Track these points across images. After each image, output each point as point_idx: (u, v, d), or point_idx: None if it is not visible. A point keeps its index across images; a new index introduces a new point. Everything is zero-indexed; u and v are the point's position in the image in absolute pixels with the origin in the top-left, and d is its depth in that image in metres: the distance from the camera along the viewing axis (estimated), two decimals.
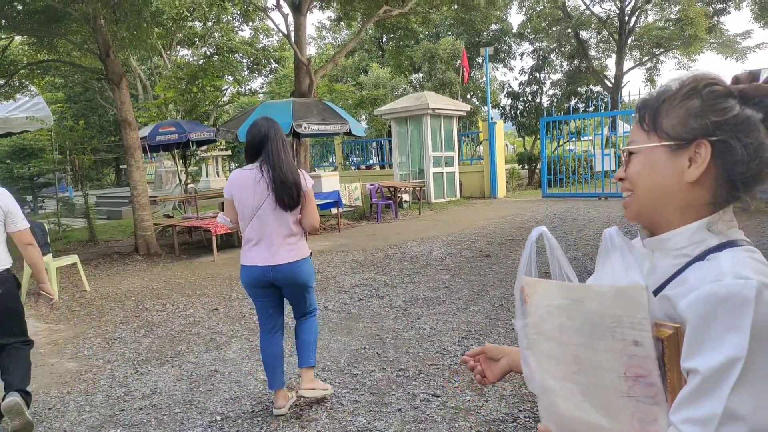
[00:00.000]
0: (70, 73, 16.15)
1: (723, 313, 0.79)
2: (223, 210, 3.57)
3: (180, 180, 12.50)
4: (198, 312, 5.50)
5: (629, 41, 22.35)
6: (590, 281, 1.04)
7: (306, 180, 3.13)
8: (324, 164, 22.55)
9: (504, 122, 20.78)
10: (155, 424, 3.18)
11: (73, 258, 6.79)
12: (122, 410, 3.40)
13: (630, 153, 0.99)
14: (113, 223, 14.56)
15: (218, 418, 3.21)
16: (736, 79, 0.92)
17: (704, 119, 0.89)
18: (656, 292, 0.92)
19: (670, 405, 0.84)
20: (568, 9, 22.23)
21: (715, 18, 21.29)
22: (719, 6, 21.24)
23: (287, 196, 3.02)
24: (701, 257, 0.90)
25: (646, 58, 23.31)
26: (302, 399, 3.29)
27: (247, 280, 3.16)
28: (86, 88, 23.64)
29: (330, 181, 10.43)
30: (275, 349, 3.21)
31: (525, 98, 22.46)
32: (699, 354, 0.80)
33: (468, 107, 17.10)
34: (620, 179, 1.04)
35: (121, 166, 25.05)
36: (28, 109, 10.48)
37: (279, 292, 3.21)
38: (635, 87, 77.93)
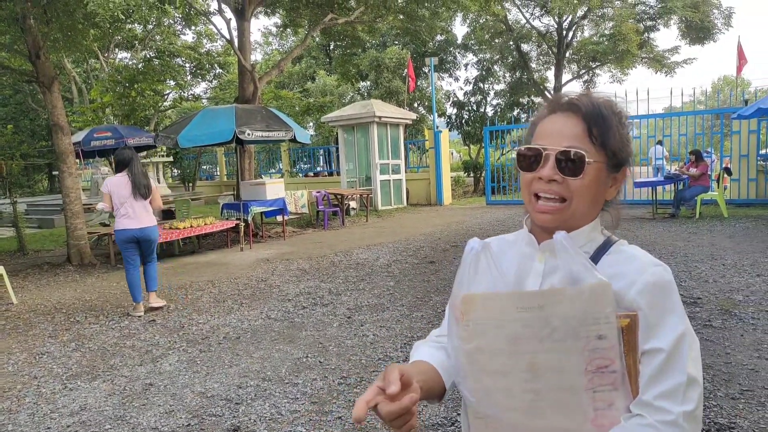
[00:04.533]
0: None
1: (661, 297, 0.93)
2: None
3: None
4: (134, 324, 5.30)
5: (567, 55, 23.26)
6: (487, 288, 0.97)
7: (153, 182, 5.70)
8: (271, 171, 22.23)
9: (449, 131, 21.11)
10: None
11: None
12: (48, 428, 3.22)
13: (580, 160, 0.97)
14: (45, 232, 13.84)
15: None
16: None
17: (629, 148, 1.04)
18: None
19: (630, 386, 0.92)
20: (510, 22, 22.88)
21: (646, 34, 22.45)
22: (649, 23, 22.40)
23: (142, 193, 5.52)
24: (601, 251, 1.02)
25: (583, 71, 24.33)
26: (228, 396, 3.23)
27: (123, 238, 5.50)
28: (16, 90, 22.43)
29: (275, 188, 10.23)
30: (137, 277, 5.57)
31: (470, 108, 22.93)
32: (657, 335, 0.92)
33: (414, 116, 17.31)
34: (552, 180, 0.99)
35: (54, 173, 23.83)
36: None
37: (139, 245, 5.59)
38: None
